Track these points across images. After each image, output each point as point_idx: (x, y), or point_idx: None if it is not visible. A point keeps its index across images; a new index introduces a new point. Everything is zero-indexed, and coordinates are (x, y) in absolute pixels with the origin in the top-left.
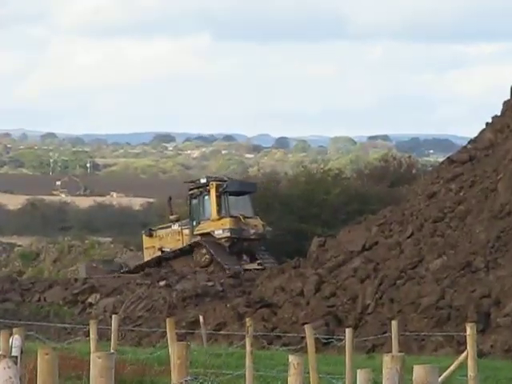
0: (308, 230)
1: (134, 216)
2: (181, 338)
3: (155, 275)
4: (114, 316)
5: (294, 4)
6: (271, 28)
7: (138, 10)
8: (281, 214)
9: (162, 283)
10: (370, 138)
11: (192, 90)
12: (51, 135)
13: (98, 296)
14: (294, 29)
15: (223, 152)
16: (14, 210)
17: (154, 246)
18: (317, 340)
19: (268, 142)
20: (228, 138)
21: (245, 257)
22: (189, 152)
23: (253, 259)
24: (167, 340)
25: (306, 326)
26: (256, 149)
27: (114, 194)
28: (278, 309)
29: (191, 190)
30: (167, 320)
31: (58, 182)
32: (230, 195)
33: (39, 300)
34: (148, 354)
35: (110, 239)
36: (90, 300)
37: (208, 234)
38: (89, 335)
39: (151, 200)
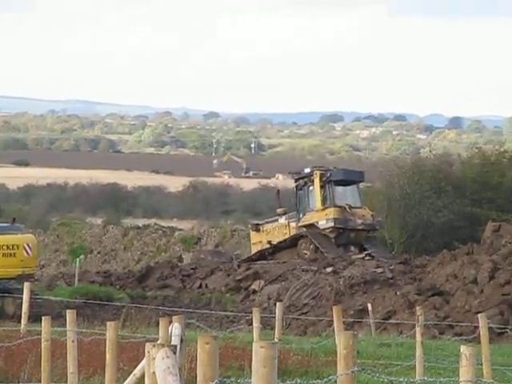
0: (482, 214)
1: None
2: (348, 326)
3: (322, 261)
4: (278, 304)
5: None
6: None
7: None
8: (453, 197)
9: (328, 269)
10: None
11: (358, 67)
12: (214, 114)
13: (262, 282)
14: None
15: (394, 132)
16: (174, 192)
17: (261, 241)
18: (491, 330)
19: (441, 122)
20: (399, 117)
21: (352, 248)
22: (358, 132)
23: (361, 250)
24: (334, 329)
25: (479, 315)
26: (428, 129)
27: (280, 176)
28: (450, 297)
29: (296, 180)
30: (334, 308)
31: (215, 161)
32: (336, 185)
33: (200, 287)
34: (313, 343)
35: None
36: (253, 287)
37: (312, 225)
38: (252, 323)
39: None
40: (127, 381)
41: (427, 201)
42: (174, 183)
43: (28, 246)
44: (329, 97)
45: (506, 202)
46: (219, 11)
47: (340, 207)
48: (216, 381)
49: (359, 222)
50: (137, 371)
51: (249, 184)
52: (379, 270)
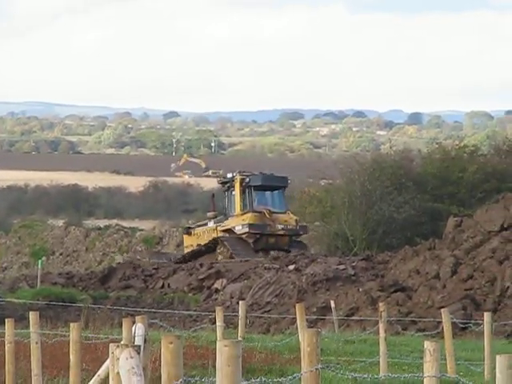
0: (443, 209)
1: None
2: (311, 324)
3: (284, 259)
4: (241, 302)
5: None
6: None
7: None
8: (415, 193)
9: (291, 267)
10: (508, 112)
11: (321, 65)
12: (173, 114)
13: (225, 281)
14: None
15: (354, 129)
16: (135, 192)
17: (192, 245)
18: (454, 325)
19: (401, 118)
20: (359, 113)
21: (273, 253)
22: (318, 129)
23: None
24: (297, 327)
25: (442, 310)
26: (388, 125)
27: None
28: (412, 292)
29: (223, 185)
30: (297, 306)
31: (173, 165)
32: (257, 190)
33: (163, 286)
34: (277, 341)
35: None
36: (215, 286)
37: (230, 230)
38: (215, 322)
39: None
40: (91, 382)
41: (388, 197)
42: (135, 183)
43: None
44: (288, 94)
45: (467, 197)
46: (177, 11)
47: (259, 212)
48: (180, 380)
49: (280, 227)
50: (101, 372)
51: (209, 183)
52: (341, 267)
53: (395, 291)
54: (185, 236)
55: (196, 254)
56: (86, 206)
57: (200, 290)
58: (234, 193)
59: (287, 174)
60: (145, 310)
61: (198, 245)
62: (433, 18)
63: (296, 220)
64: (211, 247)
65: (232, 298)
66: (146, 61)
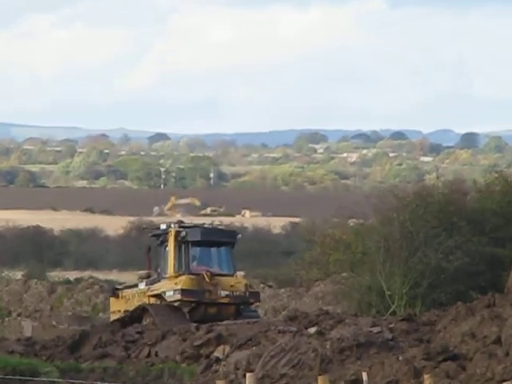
0: (505, 255)
1: (273, 242)
2: None
3: (303, 320)
4: (248, 375)
5: None
6: None
7: None
8: (469, 235)
9: (312, 330)
10: None
11: (347, 74)
12: (162, 136)
13: (228, 348)
14: None
15: (391, 154)
16: (113, 236)
17: (119, 310)
18: None
19: (451, 140)
20: (397, 135)
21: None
22: (345, 155)
23: None
24: None
25: (504, 383)
26: (435, 149)
27: (247, 213)
28: (466, 362)
29: (157, 238)
30: (319, 379)
31: (156, 208)
32: (196, 246)
33: (149, 355)
34: None
35: (242, 273)
36: (216, 354)
37: (160, 295)
38: None
39: (296, 220)
40: None
41: (435, 240)
42: (113, 225)
43: None
44: (307, 111)
45: None
46: (161, 17)
47: (197, 275)
48: None
49: (223, 294)
50: None
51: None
52: (376, 330)
53: (445, 360)
54: (111, 299)
55: (122, 323)
56: (50, 254)
57: (196, 360)
58: (167, 249)
59: (306, 211)
60: None
61: (126, 311)
62: (488, 12)
63: (246, 285)
64: (136, 316)
65: (237, 369)
66: (127, 70)
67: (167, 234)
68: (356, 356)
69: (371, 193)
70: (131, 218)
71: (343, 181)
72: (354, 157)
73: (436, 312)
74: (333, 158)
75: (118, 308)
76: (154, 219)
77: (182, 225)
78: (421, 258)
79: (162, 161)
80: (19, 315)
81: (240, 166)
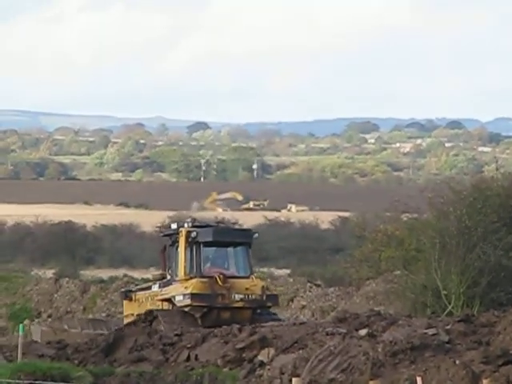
0: None
1: (321, 238)
2: None
3: (353, 321)
4: (294, 380)
5: None
6: None
7: None
8: None
9: (362, 332)
10: None
11: (400, 59)
12: (202, 125)
13: (273, 351)
14: None
15: (447, 145)
16: (150, 232)
17: (133, 314)
18: None
19: (511, 129)
20: (454, 124)
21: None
22: (398, 146)
23: None
24: None
25: None
26: (494, 139)
27: (293, 207)
28: None
29: (170, 237)
30: None
31: (195, 204)
32: (208, 247)
33: (188, 359)
34: None
35: (287, 271)
36: (260, 357)
37: (170, 300)
38: None
39: (346, 215)
40: None
41: (494, 236)
42: (150, 220)
43: None
44: (357, 98)
45: None
46: None
47: (209, 278)
48: None
49: (238, 297)
50: None
51: (251, 219)
52: (431, 332)
53: (505, 364)
54: (124, 302)
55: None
56: (83, 252)
57: (239, 364)
58: (178, 250)
59: (356, 205)
60: None
61: (139, 315)
62: None
63: (263, 287)
64: (147, 321)
65: (283, 373)
66: (164, 55)
67: (178, 234)
68: (410, 360)
69: (426, 185)
70: (169, 213)
71: (396, 173)
72: (407, 147)
73: (495, 312)
74: (385, 149)
75: (131, 311)
76: (194, 214)
77: (195, 224)
78: (479, 255)
79: (202, 152)
80: (49, 316)
81: (285, 156)
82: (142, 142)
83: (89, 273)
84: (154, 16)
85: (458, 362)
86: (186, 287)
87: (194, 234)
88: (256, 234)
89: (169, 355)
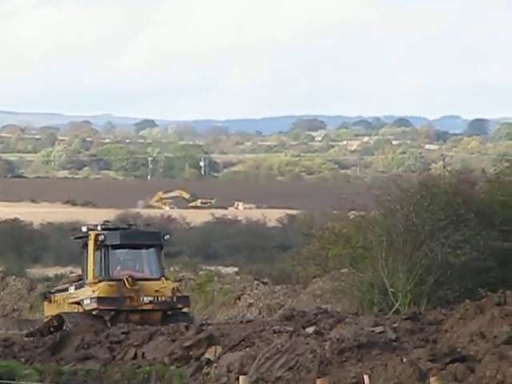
0: None
1: (269, 236)
2: None
3: (300, 319)
4: (241, 378)
5: None
6: None
7: None
8: (477, 228)
9: (310, 330)
10: None
11: (347, 57)
12: (149, 123)
13: (220, 349)
14: None
15: (394, 142)
16: None
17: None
18: None
19: (458, 127)
20: (401, 121)
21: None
22: (345, 143)
23: None
24: None
25: None
26: (441, 136)
27: (240, 205)
28: (475, 363)
29: (77, 239)
30: (318, 382)
31: (140, 202)
32: (116, 249)
33: (135, 357)
34: None
35: (235, 269)
36: (207, 355)
37: (79, 303)
38: None
39: (292, 212)
40: None
41: (441, 234)
42: (97, 218)
43: None
44: (304, 96)
45: None
46: None
47: (118, 281)
48: None
49: (147, 299)
50: None
51: (198, 217)
52: (378, 329)
53: (452, 362)
54: (45, 303)
55: (40, 333)
56: (30, 249)
57: (186, 362)
58: (88, 253)
59: (304, 202)
60: None
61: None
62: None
63: (173, 288)
64: (55, 325)
65: (230, 371)
66: (112, 53)
67: (87, 237)
68: (357, 357)
69: (373, 183)
70: (116, 211)
71: (343, 170)
72: (354, 145)
73: (443, 310)
74: (332, 147)
75: (50, 313)
76: (141, 211)
77: (106, 227)
78: (426, 253)
79: (149, 149)
80: None
81: (232, 154)
82: (88, 139)
83: (35, 271)
84: (106, 13)
85: (405, 359)
86: (93, 291)
87: (101, 238)
88: (167, 236)
89: (116, 353)
